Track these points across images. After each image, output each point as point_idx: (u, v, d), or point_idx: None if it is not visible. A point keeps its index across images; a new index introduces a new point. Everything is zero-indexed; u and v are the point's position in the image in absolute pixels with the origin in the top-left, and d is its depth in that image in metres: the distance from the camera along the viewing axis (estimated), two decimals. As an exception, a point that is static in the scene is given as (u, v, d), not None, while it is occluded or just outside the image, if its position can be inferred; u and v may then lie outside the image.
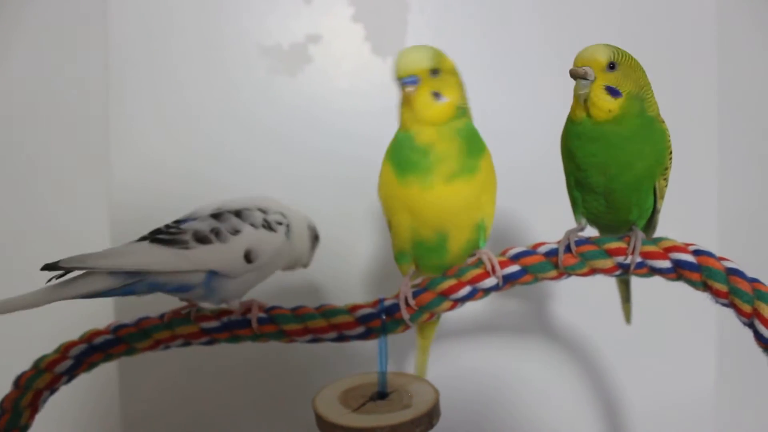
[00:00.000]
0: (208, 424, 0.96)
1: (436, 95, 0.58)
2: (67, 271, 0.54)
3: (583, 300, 0.95)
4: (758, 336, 0.55)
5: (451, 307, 0.62)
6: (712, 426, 1.00)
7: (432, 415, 0.61)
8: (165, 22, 0.93)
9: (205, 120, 0.93)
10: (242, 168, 0.94)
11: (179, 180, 0.92)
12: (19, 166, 0.98)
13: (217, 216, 0.60)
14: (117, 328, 0.65)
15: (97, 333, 0.65)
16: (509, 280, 0.61)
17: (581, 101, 0.58)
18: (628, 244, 0.60)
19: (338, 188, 0.93)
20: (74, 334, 0.66)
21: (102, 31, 0.92)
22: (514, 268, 0.61)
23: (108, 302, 0.93)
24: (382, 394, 0.65)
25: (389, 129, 0.94)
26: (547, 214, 0.94)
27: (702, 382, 1.00)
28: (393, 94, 0.93)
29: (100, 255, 0.55)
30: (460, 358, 0.96)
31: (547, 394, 0.98)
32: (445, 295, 0.62)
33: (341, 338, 0.63)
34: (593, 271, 0.61)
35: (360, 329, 0.62)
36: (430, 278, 0.63)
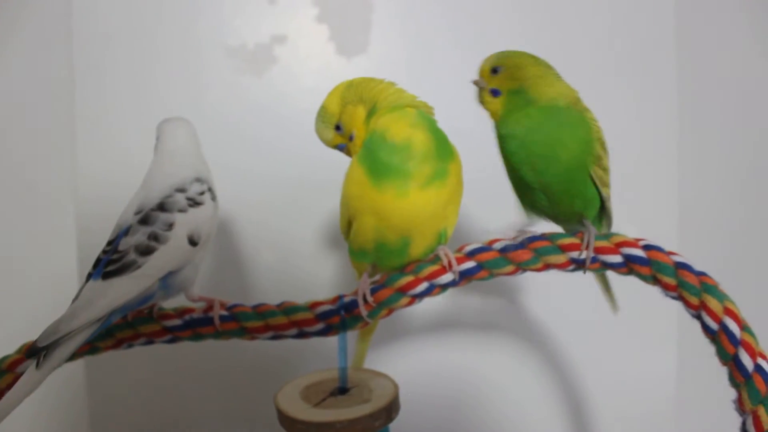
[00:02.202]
0: (174, 422, 0.96)
1: (350, 138, 0.64)
2: (48, 348, 0.54)
3: (546, 295, 0.97)
4: (705, 327, 0.57)
5: (409, 303, 0.63)
6: (675, 421, 1.02)
7: (391, 409, 0.62)
8: (131, 21, 0.94)
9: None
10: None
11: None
12: None
13: (144, 220, 0.59)
14: (79, 328, 0.65)
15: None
16: (465, 276, 0.63)
17: (483, 107, 0.63)
18: (582, 240, 0.61)
19: (304, 188, 0.94)
20: (36, 333, 0.66)
21: (67, 30, 0.92)
22: (470, 264, 0.63)
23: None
24: (342, 390, 0.66)
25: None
26: (514, 215, 0.96)
27: (664, 374, 1.02)
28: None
29: (70, 316, 0.55)
30: (423, 354, 0.97)
31: (511, 389, 0.99)
32: (402, 291, 0.63)
33: (302, 335, 0.64)
34: (547, 266, 0.63)
35: (320, 326, 0.63)
36: (388, 275, 0.64)
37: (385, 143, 0.58)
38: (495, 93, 0.61)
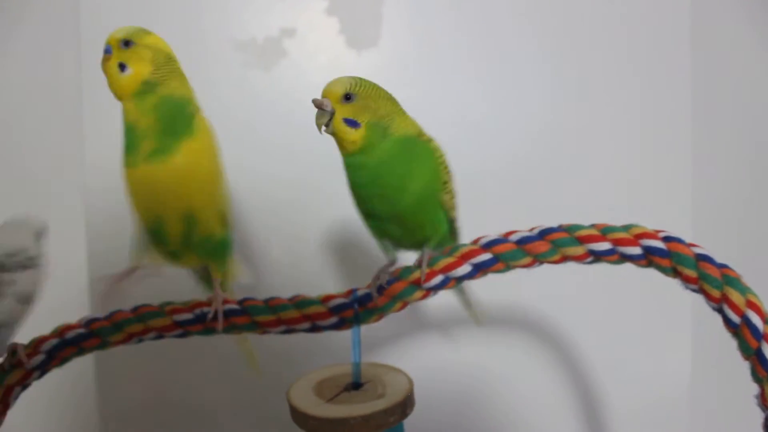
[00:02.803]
0: (184, 417, 0.95)
1: (122, 66, 0.59)
2: None
3: (559, 289, 0.96)
4: (727, 321, 0.56)
5: (423, 297, 0.62)
6: (688, 415, 1.01)
7: (405, 404, 0.61)
8: (138, 17, 0.92)
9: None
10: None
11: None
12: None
13: None
14: (89, 322, 0.65)
15: (69, 327, 0.65)
16: (481, 268, 0.62)
17: (320, 131, 0.60)
18: (421, 260, 0.61)
19: (313, 183, 0.93)
20: (46, 329, 0.65)
21: (74, 24, 0.91)
22: (486, 256, 0.61)
23: (83, 295, 0.93)
24: (356, 385, 0.65)
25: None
26: (525, 208, 0.95)
27: (678, 370, 1.01)
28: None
29: None
30: (433, 349, 0.96)
31: (522, 385, 0.98)
32: (417, 284, 0.62)
33: (314, 329, 0.63)
34: (565, 258, 0.61)
35: (333, 319, 0.62)
36: (403, 267, 0.63)
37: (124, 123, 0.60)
38: (353, 124, 0.58)
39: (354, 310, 0.62)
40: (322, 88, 0.94)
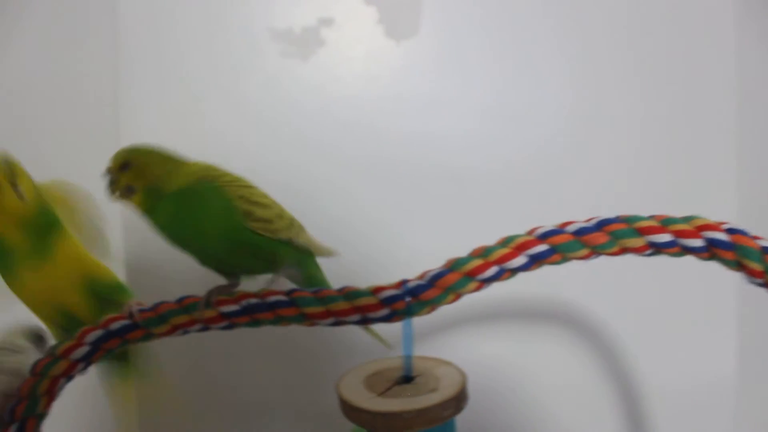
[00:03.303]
0: (224, 411, 0.94)
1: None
2: None
3: (600, 284, 0.94)
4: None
5: (477, 288, 0.61)
6: (733, 407, 0.98)
7: (460, 398, 0.60)
8: (174, 7, 0.92)
9: (215, 106, 0.92)
10: (253, 155, 0.93)
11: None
12: (28, 156, 0.96)
13: None
14: (134, 314, 0.63)
15: (113, 318, 0.63)
16: (538, 259, 0.60)
17: (110, 197, 0.63)
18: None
19: (349, 172, 0.92)
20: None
21: (112, 13, 0.90)
22: (542, 247, 0.60)
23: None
24: (407, 378, 0.63)
25: (402, 113, 0.93)
26: (558, 201, 0.93)
27: (723, 361, 0.98)
28: (407, 78, 0.93)
29: None
30: (478, 345, 0.95)
31: (565, 379, 0.96)
32: (471, 275, 0.60)
33: (364, 321, 0.61)
34: (624, 251, 0.59)
35: (384, 311, 0.61)
36: (456, 258, 0.61)
37: None
38: (129, 190, 0.62)
39: (405, 301, 0.60)
40: (360, 78, 0.93)
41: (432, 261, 0.91)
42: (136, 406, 0.94)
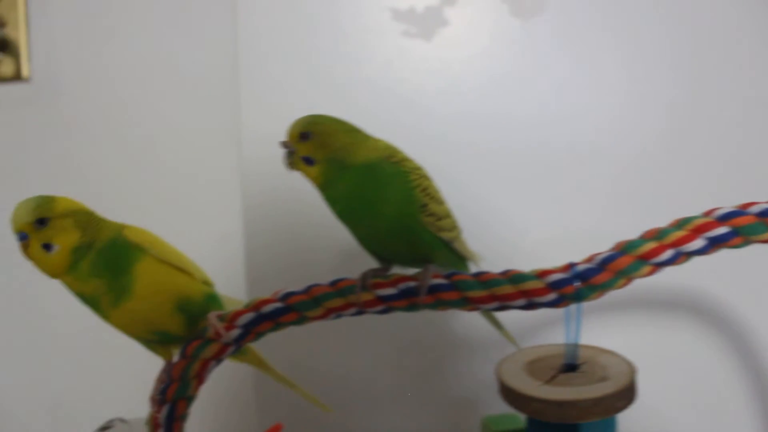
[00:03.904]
0: (342, 402, 0.93)
1: (47, 247, 0.57)
2: None
3: (734, 275, 0.90)
4: None
5: (650, 272, 0.58)
6: None
7: (633, 389, 0.57)
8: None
9: (336, 88, 0.90)
10: (376, 134, 0.91)
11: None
12: (149, 131, 0.98)
13: None
14: (286, 296, 0.62)
15: (265, 301, 0.62)
16: (717, 242, 0.57)
17: (287, 168, 0.62)
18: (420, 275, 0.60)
19: (472, 158, 0.90)
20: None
21: (230, 1, 0.90)
22: (722, 229, 0.57)
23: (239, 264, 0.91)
24: (571, 366, 0.60)
25: (527, 94, 0.90)
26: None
27: None
28: (532, 56, 0.90)
29: None
30: (601, 334, 0.91)
31: (698, 372, 0.92)
32: (645, 259, 0.57)
33: (530, 306, 0.59)
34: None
35: (551, 296, 0.58)
36: (627, 241, 0.58)
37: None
38: (308, 161, 0.60)
39: (574, 286, 0.57)
40: (484, 57, 0.91)
41: (554, 249, 0.89)
42: (254, 391, 0.94)
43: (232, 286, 0.91)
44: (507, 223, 0.92)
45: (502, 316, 0.73)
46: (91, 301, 0.60)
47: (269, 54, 0.90)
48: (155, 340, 0.64)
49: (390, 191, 0.59)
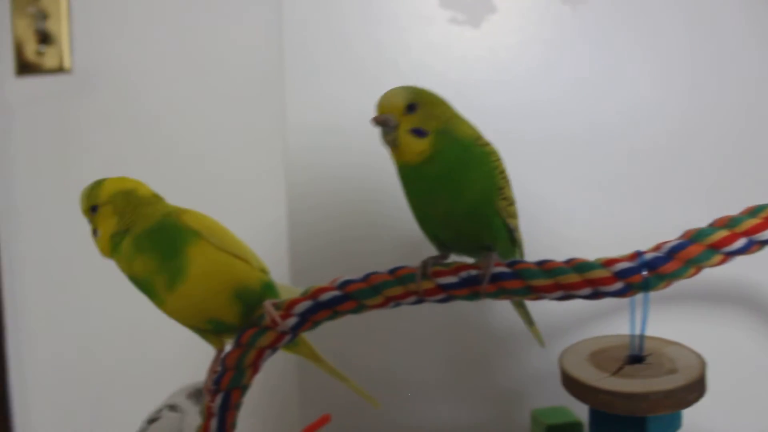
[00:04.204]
0: (383, 390, 0.92)
1: (95, 232, 0.61)
2: None
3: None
4: None
5: (721, 262, 0.56)
6: None
7: (703, 382, 0.55)
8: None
9: (382, 74, 0.89)
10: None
11: (356, 138, 0.88)
12: (191, 122, 0.97)
13: None
14: (344, 284, 0.61)
15: (322, 289, 0.61)
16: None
17: (389, 147, 0.57)
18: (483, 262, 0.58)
19: (519, 147, 0.88)
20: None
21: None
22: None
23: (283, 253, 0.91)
24: (636, 358, 0.59)
25: (576, 83, 0.88)
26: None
27: None
28: (582, 44, 0.88)
29: None
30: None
31: (753, 365, 0.90)
32: (716, 247, 0.55)
33: (595, 295, 0.57)
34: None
35: (618, 285, 0.57)
36: (697, 229, 0.56)
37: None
38: (420, 133, 0.55)
39: (643, 275, 0.55)
40: (534, 44, 0.89)
41: (600, 239, 0.87)
42: (297, 384, 0.93)
43: (276, 275, 0.90)
44: (552, 213, 0.90)
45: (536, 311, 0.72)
46: (144, 284, 0.60)
47: (314, 43, 0.90)
48: (210, 329, 0.63)
49: (477, 174, 0.58)
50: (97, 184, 0.61)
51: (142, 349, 1.07)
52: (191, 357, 1.03)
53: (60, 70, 1.08)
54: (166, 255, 0.59)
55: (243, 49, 0.94)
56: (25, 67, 1.10)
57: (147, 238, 0.59)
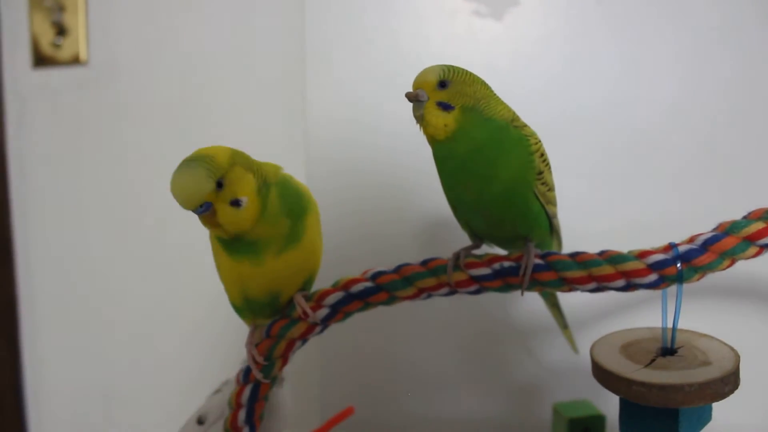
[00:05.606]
0: (400, 382, 0.92)
1: (236, 203, 0.53)
2: None
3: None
4: None
5: (756, 254, 0.56)
6: None
7: (737, 374, 0.55)
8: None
9: (403, 67, 0.88)
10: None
11: (377, 132, 0.88)
12: (207, 115, 0.97)
13: None
14: (376, 276, 0.61)
15: (353, 281, 0.61)
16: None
17: (418, 123, 0.57)
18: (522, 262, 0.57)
19: (542, 135, 0.88)
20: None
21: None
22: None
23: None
24: (668, 350, 0.59)
25: (601, 76, 0.88)
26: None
27: None
28: (609, 36, 0.88)
29: None
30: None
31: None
32: (751, 240, 0.55)
33: (629, 287, 0.57)
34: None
35: (652, 277, 0.57)
36: (731, 221, 0.56)
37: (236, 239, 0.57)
38: (446, 107, 0.56)
39: (677, 267, 0.55)
40: (557, 38, 0.88)
41: (623, 234, 0.87)
42: (319, 377, 0.93)
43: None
44: (575, 209, 0.90)
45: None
46: (255, 246, 0.56)
47: (335, 36, 0.89)
48: (265, 302, 0.61)
49: (511, 155, 0.57)
50: (208, 158, 0.52)
51: (154, 343, 1.07)
52: (200, 350, 1.03)
53: (76, 62, 1.08)
54: (295, 216, 0.58)
55: (263, 41, 0.94)
56: (41, 60, 1.10)
57: (284, 193, 0.57)
